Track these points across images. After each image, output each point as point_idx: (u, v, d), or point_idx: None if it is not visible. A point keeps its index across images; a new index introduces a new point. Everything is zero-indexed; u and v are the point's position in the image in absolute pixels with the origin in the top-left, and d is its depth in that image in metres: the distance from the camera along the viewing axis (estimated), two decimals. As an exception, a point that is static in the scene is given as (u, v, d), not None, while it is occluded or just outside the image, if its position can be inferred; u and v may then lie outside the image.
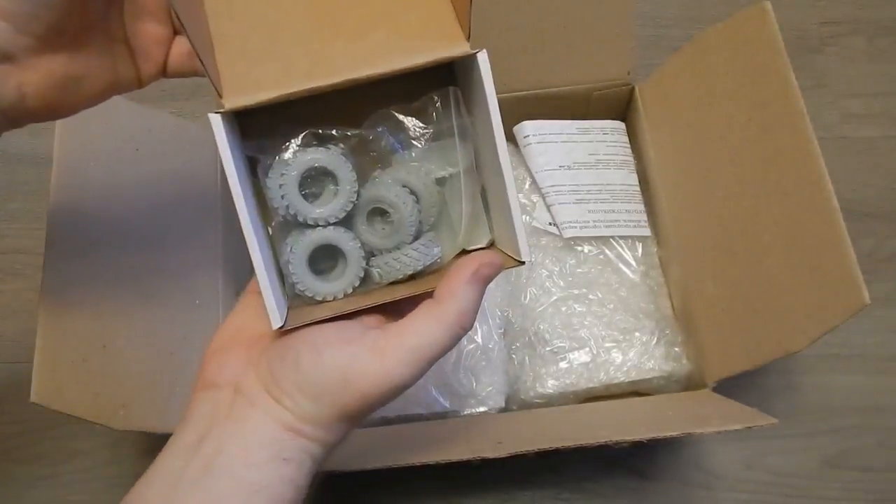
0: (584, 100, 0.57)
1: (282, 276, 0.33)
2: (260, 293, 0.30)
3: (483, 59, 0.29)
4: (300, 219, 0.31)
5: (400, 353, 0.29)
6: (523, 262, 0.32)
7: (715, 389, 0.48)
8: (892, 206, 0.61)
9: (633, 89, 0.57)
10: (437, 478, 0.53)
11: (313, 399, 0.29)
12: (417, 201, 0.32)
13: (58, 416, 0.37)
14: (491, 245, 0.35)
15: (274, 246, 0.32)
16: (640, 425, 0.45)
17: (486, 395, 0.51)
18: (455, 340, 0.30)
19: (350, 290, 0.32)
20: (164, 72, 0.35)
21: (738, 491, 0.53)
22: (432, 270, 0.33)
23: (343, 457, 0.39)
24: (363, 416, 0.30)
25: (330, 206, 0.31)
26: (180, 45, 0.34)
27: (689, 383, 0.52)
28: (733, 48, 0.46)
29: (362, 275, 0.32)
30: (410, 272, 0.32)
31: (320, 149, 0.31)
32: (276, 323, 0.30)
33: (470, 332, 0.52)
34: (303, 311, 0.32)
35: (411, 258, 0.32)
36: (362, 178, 0.32)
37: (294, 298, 0.32)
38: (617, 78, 0.56)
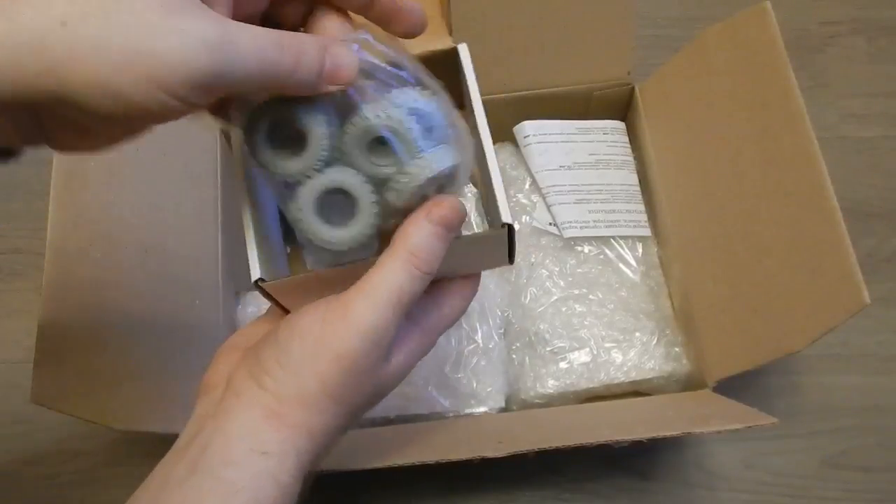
0: (584, 100, 0.57)
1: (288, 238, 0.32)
2: (278, 308, 0.29)
3: (463, 50, 0.31)
4: (269, 170, 0.29)
5: (359, 301, 0.28)
6: (506, 226, 0.30)
7: (715, 389, 0.48)
8: (892, 206, 0.61)
9: (633, 89, 0.57)
10: (437, 478, 0.53)
11: (294, 372, 0.28)
12: (423, 123, 0.29)
13: (58, 416, 0.37)
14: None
15: (283, 209, 0.31)
16: (640, 425, 0.45)
17: (486, 395, 0.51)
18: (414, 281, 0.28)
19: (367, 232, 0.29)
20: None
21: (739, 491, 0.53)
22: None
23: (342, 457, 0.39)
24: (347, 391, 0.28)
25: (303, 156, 0.29)
26: None
27: (690, 383, 0.52)
28: (733, 48, 0.46)
29: (377, 211, 0.29)
30: (427, 176, 0.28)
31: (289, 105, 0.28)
32: (255, 274, 0.29)
33: (470, 332, 0.52)
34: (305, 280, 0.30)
35: (424, 162, 0.28)
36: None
37: (312, 255, 0.30)
38: (617, 78, 0.56)
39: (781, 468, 0.53)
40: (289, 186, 0.29)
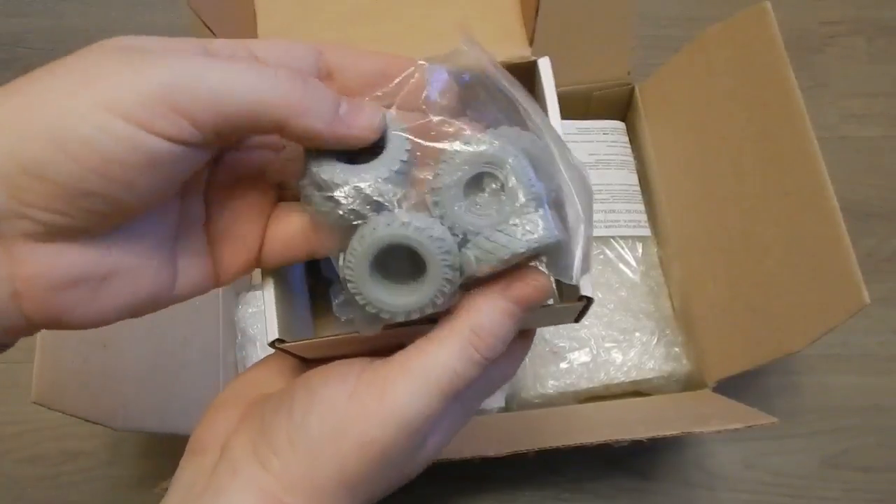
0: (584, 100, 0.57)
1: (318, 291, 0.27)
2: (284, 353, 0.25)
3: (545, 65, 0.26)
4: (323, 180, 0.23)
5: (400, 382, 0.23)
6: (583, 299, 0.25)
7: (715, 389, 0.48)
8: (892, 206, 0.61)
9: (633, 89, 0.57)
10: (438, 477, 0.53)
11: (307, 454, 0.23)
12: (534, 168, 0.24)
13: (58, 416, 0.37)
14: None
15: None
16: (640, 425, 0.45)
17: (486, 395, 0.51)
18: (471, 365, 0.23)
19: (434, 301, 0.23)
20: (255, 262, 0.26)
21: (739, 491, 0.53)
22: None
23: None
24: (368, 482, 0.23)
25: (374, 165, 0.23)
26: (284, 223, 0.25)
27: (690, 383, 0.52)
28: (733, 48, 0.46)
29: (451, 277, 0.23)
30: (521, 250, 0.22)
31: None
32: (272, 334, 0.25)
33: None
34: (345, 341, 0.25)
35: (522, 231, 0.22)
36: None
37: (353, 313, 0.24)
38: (617, 78, 0.56)
39: (781, 468, 0.53)
40: (341, 217, 0.23)
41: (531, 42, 0.28)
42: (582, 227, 0.23)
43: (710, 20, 0.48)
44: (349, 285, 0.23)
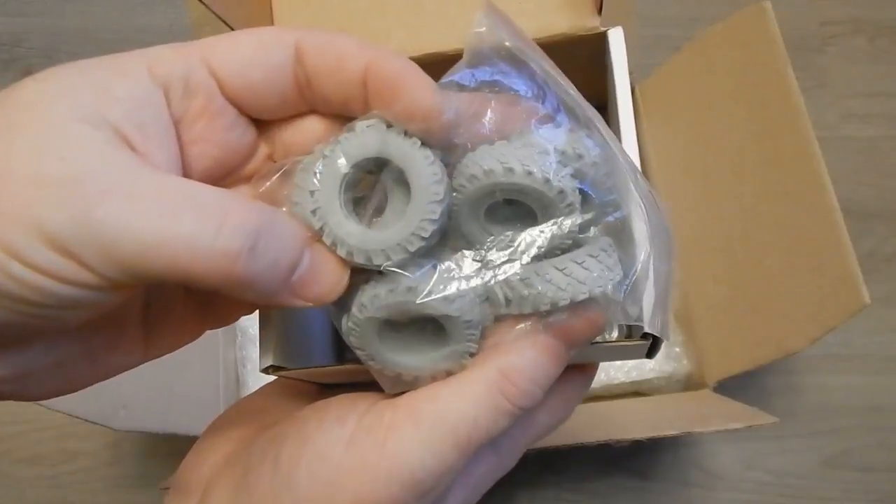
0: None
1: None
2: (291, 378, 0.22)
3: (616, 38, 0.22)
4: (342, 253, 0.19)
5: (408, 431, 0.18)
6: (652, 341, 0.21)
7: (715, 389, 0.48)
8: (892, 206, 0.61)
9: (633, 89, 0.57)
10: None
11: None
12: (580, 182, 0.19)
13: (58, 416, 0.37)
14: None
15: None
16: (640, 425, 0.45)
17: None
18: (499, 417, 0.19)
19: (455, 360, 0.19)
20: (253, 305, 0.23)
21: (739, 491, 0.53)
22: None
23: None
24: None
25: (394, 229, 0.19)
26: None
27: (690, 383, 0.52)
28: (733, 48, 0.46)
29: (475, 335, 0.19)
30: (566, 302, 0.18)
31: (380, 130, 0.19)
32: (265, 361, 0.22)
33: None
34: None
35: (572, 276, 0.18)
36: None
37: (380, 380, 0.21)
38: (617, 78, 0.56)
39: (781, 468, 0.53)
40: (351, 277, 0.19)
41: (600, 10, 0.23)
42: (656, 264, 0.19)
43: (710, 20, 0.48)
44: (359, 353, 0.20)
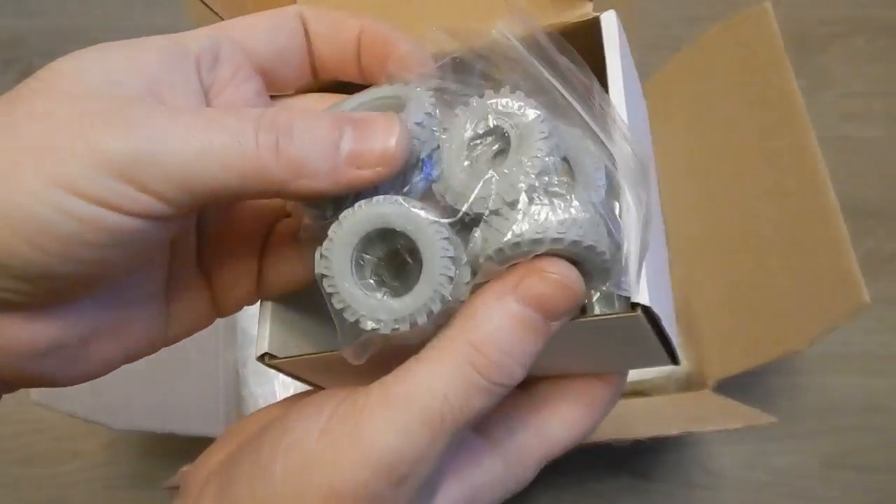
0: (584, 100, 0.57)
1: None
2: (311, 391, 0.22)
3: (609, 21, 0.22)
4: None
5: (379, 413, 0.18)
6: (638, 308, 0.19)
7: (715, 389, 0.48)
8: (892, 206, 0.61)
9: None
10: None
11: None
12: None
13: (57, 416, 0.37)
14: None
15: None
16: (640, 425, 0.45)
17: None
18: (473, 392, 0.18)
19: (431, 309, 0.18)
20: (256, 294, 0.23)
21: (739, 491, 0.53)
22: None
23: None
24: None
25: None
26: (283, 247, 0.23)
27: (690, 383, 0.52)
28: (733, 48, 0.46)
29: (451, 273, 0.18)
30: (554, 237, 0.17)
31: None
32: (261, 348, 0.22)
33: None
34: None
35: (561, 213, 0.17)
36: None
37: (341, 337, 0.19)
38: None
39: (781, 468, 0.53)
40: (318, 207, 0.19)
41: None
42: (638, 224, 0.18)
43: (710, 20, 0.48)
44: (325, 283, 0.18)
